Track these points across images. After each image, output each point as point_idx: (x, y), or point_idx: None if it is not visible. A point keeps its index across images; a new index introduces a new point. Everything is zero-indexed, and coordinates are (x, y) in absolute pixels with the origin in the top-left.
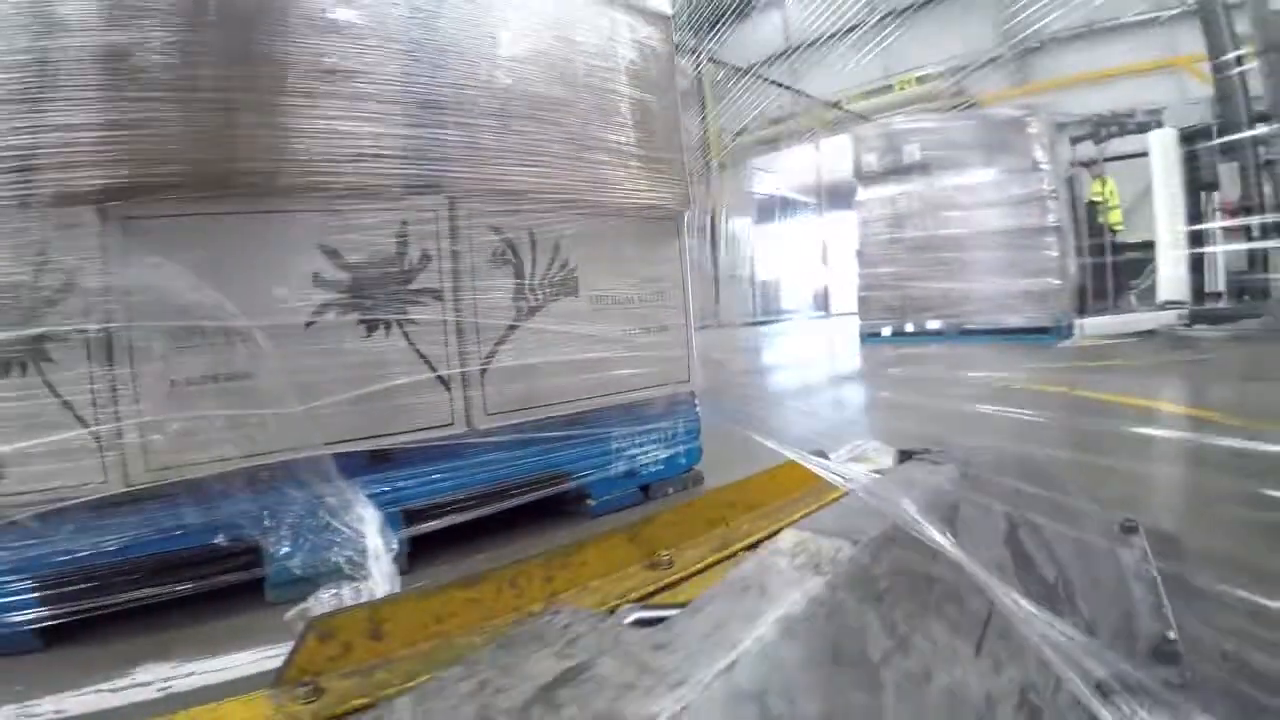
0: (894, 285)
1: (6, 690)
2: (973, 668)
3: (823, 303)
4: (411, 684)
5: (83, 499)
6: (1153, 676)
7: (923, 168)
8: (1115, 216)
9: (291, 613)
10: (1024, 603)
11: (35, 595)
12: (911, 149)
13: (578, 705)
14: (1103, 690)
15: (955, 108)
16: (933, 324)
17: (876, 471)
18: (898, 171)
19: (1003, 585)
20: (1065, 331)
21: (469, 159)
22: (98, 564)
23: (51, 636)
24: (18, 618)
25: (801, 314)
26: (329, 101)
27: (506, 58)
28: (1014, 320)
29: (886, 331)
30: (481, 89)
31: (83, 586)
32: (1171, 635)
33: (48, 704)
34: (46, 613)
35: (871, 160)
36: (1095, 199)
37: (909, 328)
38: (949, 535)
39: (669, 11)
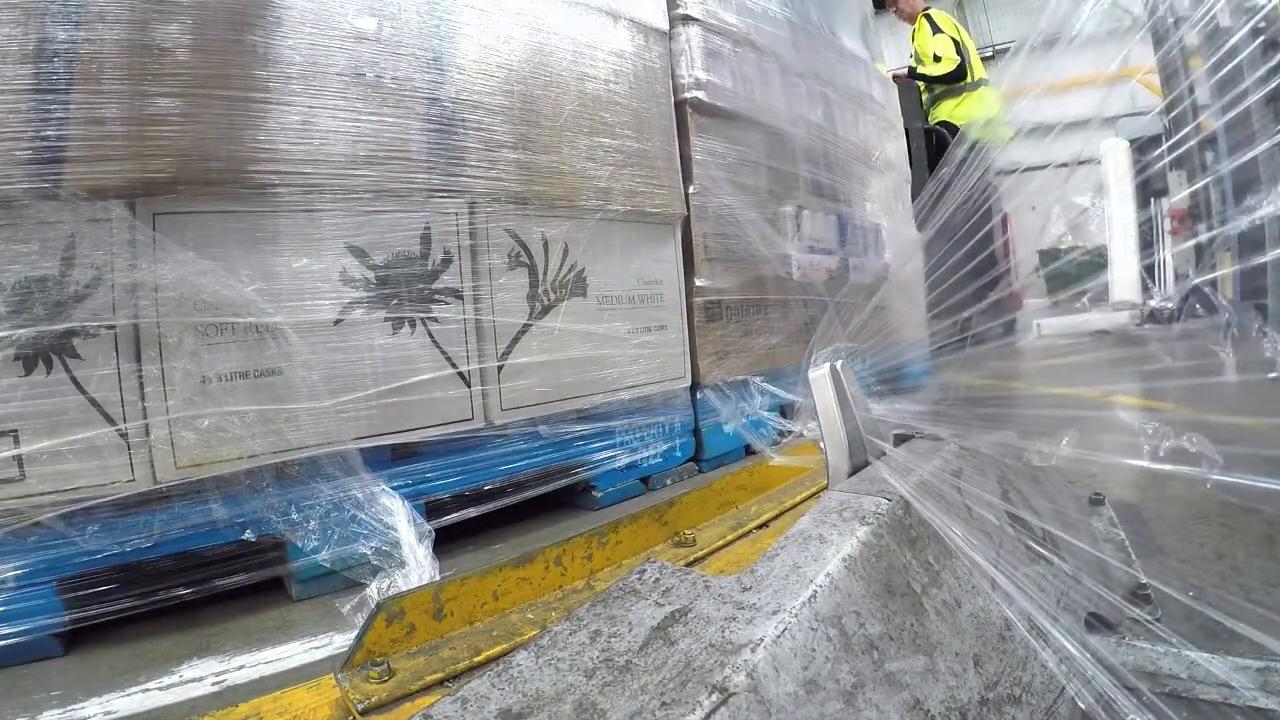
0: None
1: (44, 696)
2: (991, 598)
3: None
4: (480, 658)
5: (109, 498)
6: (1131, 614)
7: None
8: None
9: (352, 603)
10: (1022, 549)
11: (58, 598)
12: None
13: (691, 637)
14: (1091, 621)
15: None
16: None
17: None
18: None
19: (1004, 533)
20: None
21: (488, 164)
22: (121, 563)
23: (69, 641)
24: (40, 622)
25: None
26: (359, 105)
27: (524, 70)
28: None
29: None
30: (500, 99)
31: (107, 588)
32: (1144, 581)
33: (93, 706)
34: (70, 616)
35: None
36: None
37: None
38: (959, 494)
39: (667, 28)
